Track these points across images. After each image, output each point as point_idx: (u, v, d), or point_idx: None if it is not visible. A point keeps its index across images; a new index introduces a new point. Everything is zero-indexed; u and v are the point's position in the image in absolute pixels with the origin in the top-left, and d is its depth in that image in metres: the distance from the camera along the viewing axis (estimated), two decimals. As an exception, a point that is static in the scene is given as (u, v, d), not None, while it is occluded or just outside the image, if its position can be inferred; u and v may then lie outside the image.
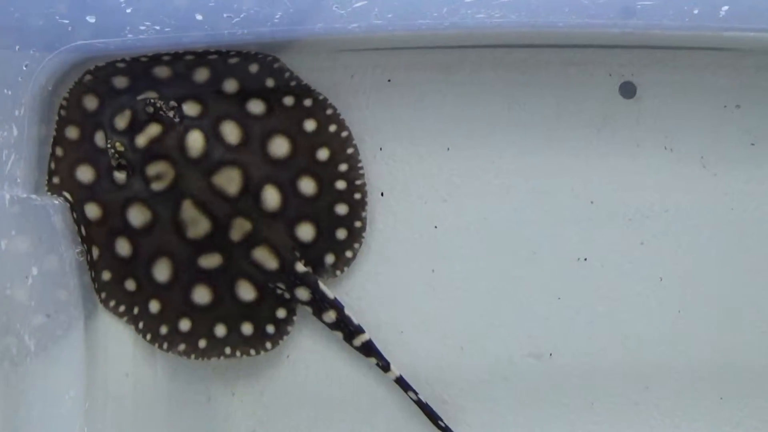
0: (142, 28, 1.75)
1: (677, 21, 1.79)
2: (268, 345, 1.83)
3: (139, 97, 1.77)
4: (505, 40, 1.89)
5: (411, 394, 1.85)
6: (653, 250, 1.91)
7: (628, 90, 1.92)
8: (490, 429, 1.90)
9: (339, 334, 1.84)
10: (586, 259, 1.91)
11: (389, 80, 1.92)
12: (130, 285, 1.81)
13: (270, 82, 1.83)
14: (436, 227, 1.91)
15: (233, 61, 1.81)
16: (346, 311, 1.83)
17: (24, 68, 1.76)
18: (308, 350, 1.89)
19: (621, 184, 1.91)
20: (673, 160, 1.91)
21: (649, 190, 1.91)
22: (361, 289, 1.89)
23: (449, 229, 1.90)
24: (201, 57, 1.81)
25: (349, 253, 1.85)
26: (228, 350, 1.82)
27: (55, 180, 1.81)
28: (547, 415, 1.90)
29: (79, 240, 1.81)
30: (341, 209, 1.83)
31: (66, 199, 1.80)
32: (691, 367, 1.91)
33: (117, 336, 1.86)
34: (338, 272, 1.85)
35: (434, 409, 1.85)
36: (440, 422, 1.86)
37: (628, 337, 1.90)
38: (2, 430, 1.63)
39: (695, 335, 1.90)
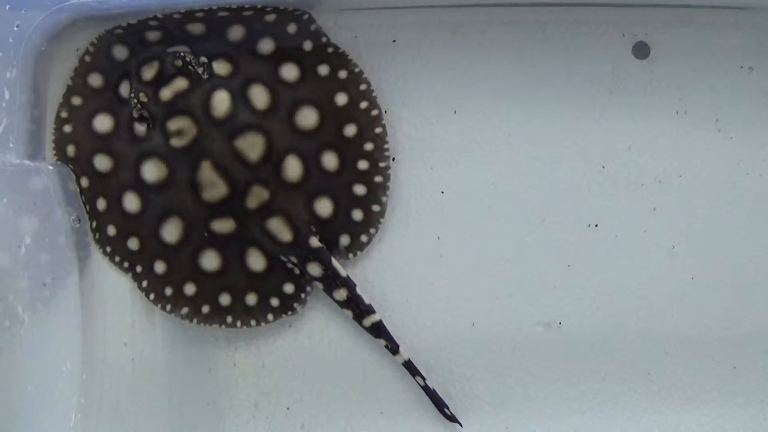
0: (139, -14, 1.72)
1: (693, -22, 1.76)
2: (270, 317, 1.81)
3: (170, 49, 1.73)
4: (515, -1, 1.85)
5: (418, 379, 1.83)
6: (666, 216, 1.88)
7: (641, 50, 1.88)
8: (497, 399, 1.88)
9: (349, 313, 1.81)
10: (597, 226, 1.88)
11: (394, 41, 1.87)
12: (137, 242, 1.78)
13: (308, 45, 1.78)
14: (442, 193, 1.87)
15: (270, 18, 1.77)
16: (358, 290, 1.80)
17: (15, 28, 1.71)
18: (311, 320, 1.87)
19: (633, 148, 1.88)
20: (688, 122, 1.88)
21: (662, 154, 1.88)
22: (366, 256, 1.86)
23: (456, 194, 1.87)
24: (236, 13, 1.76)
25: (364, 238, 1.81)
26: (230, 319, 1.79)
27: (66, 129, 1.77)
28: (556, 386, 1.88)
29: (77, 205, 1.78)
30: (360, 189, 1.80)
31: (63, 159, 1.77)
32: (704, 336, 1.88)
33: (115, 305, 1.83)
34: (351, 255, 1.82)
35: (445, 384, 1.84)
36: (446, 410, 1.84)
37: (639, 306, 1.88)
38: (-2, 403, 1.61)
39: (708, 303, 1.88)
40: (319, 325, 1.87)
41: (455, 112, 1.87)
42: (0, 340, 1.61)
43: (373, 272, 1.86)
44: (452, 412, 1.84)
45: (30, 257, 1.69)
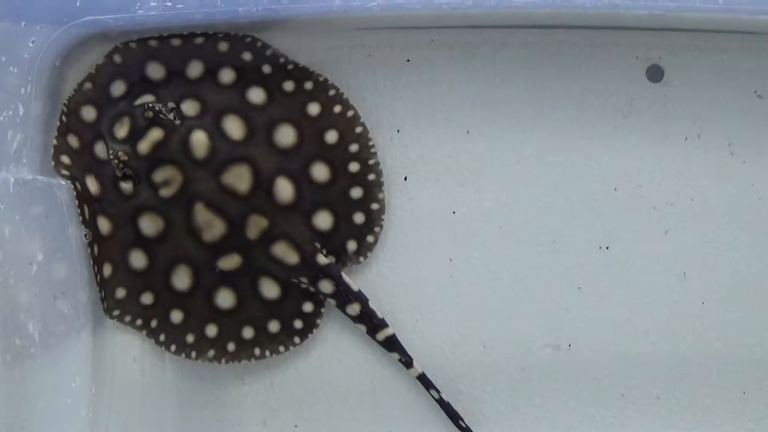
0: (153, 4, 1.71)
1: (709, 3, 1.74)
2: (297, 340, 1.82)
3: (137, 103, 1.73)
4: (529, 21, 1.84)
5: (433, 392, 1.82)
6: (678, 239, 1.87)
7: (655, 73, 1.87)
8: (506, 420, 1.87)
9: (362, 327, 1.82)
10: (608, 248, 1.87)
11: (408, 60, 1.87)
12: (148, 298, 1.78)
13: (267, 68, 1.78)
14: (454, 213, 1.87)
15: (224, 48, 1.77)
16: (371, 304, 1.80)
17: (30, 44, 1.71)
18: (321, 337, 1.86)
19: (646, 171, 1.87)
20: (700, 146, 1.87)
21: (674, 178, 1.87)
22: (377, 276, 1.86)
23: (468, 215, 1.87)
24: (188, 42, 1.76)
25: (370, 238, 1.82)
26: (257, 351, 1.81)
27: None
28: (564, 408, 1.88)
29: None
30: (356, 192, 1.80)
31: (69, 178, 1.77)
32: (713, 361, 1.88)
33: (125, 320, 1.82)
34: (362, 258, 1.82)
35: (454, 403, 1.83)
36: (461, 422, 1.83)
37: (649, 329, 1.87)
38: (8, 419, 1.62)
39: (719, 328, 1.87)
40: (329, 342, 1.87)
41: (468, 132, 1.87)
42: (10, 357, 1.61)
43: (383, 291, 1.86)
44: (467, 424, 1.83)
45: (41, 273, 1.69)
